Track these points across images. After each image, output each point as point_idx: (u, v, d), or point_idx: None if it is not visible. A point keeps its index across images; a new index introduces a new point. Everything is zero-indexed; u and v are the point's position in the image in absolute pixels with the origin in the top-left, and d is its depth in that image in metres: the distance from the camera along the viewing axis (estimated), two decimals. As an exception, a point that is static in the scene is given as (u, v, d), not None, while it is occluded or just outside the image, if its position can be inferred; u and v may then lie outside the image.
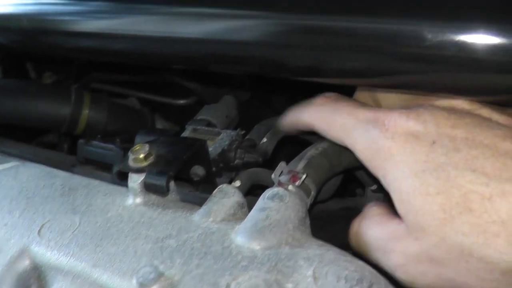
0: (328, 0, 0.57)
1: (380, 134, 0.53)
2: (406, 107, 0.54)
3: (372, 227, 0.58)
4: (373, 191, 0.84)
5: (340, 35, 0.56)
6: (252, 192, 0.70)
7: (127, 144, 0.85)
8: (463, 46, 0.48)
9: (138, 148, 0.63)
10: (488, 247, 0.45)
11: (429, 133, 0.50)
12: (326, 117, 0.61)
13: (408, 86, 0.57)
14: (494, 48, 0.47)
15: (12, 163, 0.79)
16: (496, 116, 0.51)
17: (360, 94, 0.67)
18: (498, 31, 0.47)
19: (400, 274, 0.53)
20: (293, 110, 0.68)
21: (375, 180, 0.79)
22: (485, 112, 0.52)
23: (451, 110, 0.52)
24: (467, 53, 0.48)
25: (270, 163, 0.75)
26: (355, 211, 0.81)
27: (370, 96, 0.65)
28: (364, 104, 0.61)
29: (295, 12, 0.58)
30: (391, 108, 0.57)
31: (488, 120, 0.51)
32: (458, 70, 0.49)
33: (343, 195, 0.86)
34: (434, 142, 0.49)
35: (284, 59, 0.61)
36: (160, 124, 1.14)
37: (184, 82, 1.13)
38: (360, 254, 0.58)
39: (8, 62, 1.20)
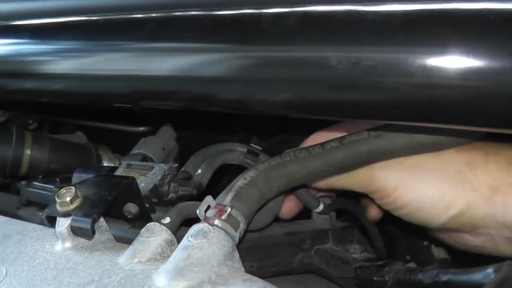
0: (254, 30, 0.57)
1: None
2: None
3: None
4: (319, 213, 0.84)
5: (267, 66, 0.56)
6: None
7: (67, 184, 0.84)
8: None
9: (64, 191, 0.62)
10: None
11: None
12: None
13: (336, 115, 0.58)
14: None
15: (-49, 212, 0.79)
16: None
17: None
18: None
19: None
20: None
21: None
22: None
23: None
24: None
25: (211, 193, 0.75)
26: (299, 235, 0.81)
27: None
28: None
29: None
30: None
31: None
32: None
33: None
34: None
35: (213, 93, 0.61)
36: (106, 157, 1.13)
37: (141, 109, 1.13)
38: None
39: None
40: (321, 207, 0.82)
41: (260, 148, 0.83)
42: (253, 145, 0.83)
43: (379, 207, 0.77)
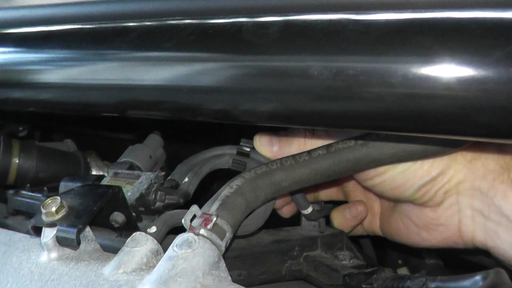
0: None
1: None
2: None
3: None
4: (307, 217, 0.83)
5: (249, 76, 0.56)
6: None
7: (55, 193, 0.84)
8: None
9: (49, 201, 0.62)
10: None
11: None
12: None
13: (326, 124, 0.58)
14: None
15: None
16: None
17: None
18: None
19: None
20: None
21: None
22: None
23: None
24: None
25: (202, 200, 0.75)
26: (287, 243, 0.81)
27: None
28: None
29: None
30: None
31: None
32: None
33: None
34: None
35: (197, 103, 0.61)
36: (95, 165, 1.12)
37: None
38: None
39: None
40: (310, 209, 0.82)
41: (250, 147, 0.82)
42: (242, 144, 0.82)
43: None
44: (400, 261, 1.01)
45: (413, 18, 0.50)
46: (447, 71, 0.47)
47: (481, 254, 0.80)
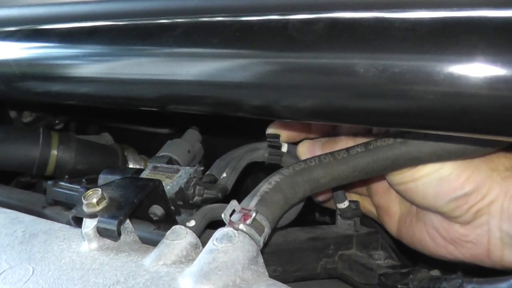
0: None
1: None
2: None
3: None
4: (343, 214, 0.83)
5: (293, 72, 0.56)
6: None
7: (93, 184, 0.86)
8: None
9: (91, 193, 0.63)
10: None
11: None
12: None
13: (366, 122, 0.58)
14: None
15: (-20, 210, 0.80)
16: None
17: None
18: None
19: None
20: None
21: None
22: None
23: None
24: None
25: (235, 193, 0.76)
26: (323, 241, 0.81)
27: None
28: None
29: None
30: None
31: None
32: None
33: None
34: None
35: (240, 99, 0.61)
36: (132, 159, 1.14)
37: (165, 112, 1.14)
38: None
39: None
40: (346, 202, 0.82)
41: (278, 140, 0.83)
42: (269, 138, 0.83)
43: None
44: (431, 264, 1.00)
45: (460, 16, 0.50)
46: (493, 70, 0.47)
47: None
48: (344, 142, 0.76)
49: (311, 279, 0.80)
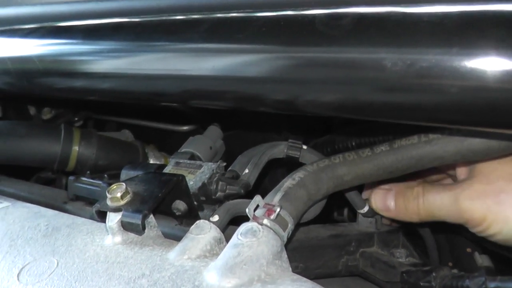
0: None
1: None
2: None
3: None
4: (364, 215, 0.83)
5: (320, 67, 0.56)
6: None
7: (115, 180, 0.86)
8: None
9: (115, 187, 0.63)
10: None
11: None
12: None
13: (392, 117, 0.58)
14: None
15: (3, 204, 0.80)
16: None
17: None
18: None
19: None
20: None
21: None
22: None
23: None
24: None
25: (255, 188, 0.76)
26: (345, 238, 0.81)
27: None
28: None
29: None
30: None
31: None
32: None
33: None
34: None
35: (263, 94, 0.61)
36: (152, 155, 1.14)
37: (185, 109, 1.14)
38: None
39: (7, 100, 1.21)
40: (366, 208, 0.82)
41: (300, 142, 0.83)
42: (291, 140, 0.83)
43: None
44: (450, 264, 0.99)
45: (488, 9, 0.49)
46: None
47: None
48: (416, 188, 0.75)
49: (332, 276, 0.80)
